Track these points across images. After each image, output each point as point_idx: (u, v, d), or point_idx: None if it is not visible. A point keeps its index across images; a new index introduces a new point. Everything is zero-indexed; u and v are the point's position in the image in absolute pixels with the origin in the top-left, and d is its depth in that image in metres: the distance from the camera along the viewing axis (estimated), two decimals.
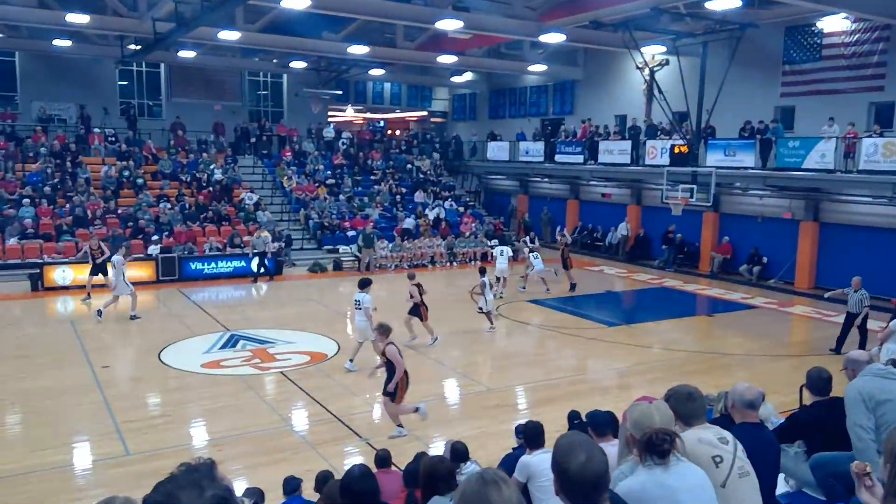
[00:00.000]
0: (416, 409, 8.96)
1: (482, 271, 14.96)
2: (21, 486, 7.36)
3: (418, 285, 13.17)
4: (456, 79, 32.04)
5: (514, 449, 6.61)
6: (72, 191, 21.67)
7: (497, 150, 29.08)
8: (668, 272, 21.93)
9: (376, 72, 28.79)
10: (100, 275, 16.34)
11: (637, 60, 20.67)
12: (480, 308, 14.71)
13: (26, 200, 20.42)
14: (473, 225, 25.62)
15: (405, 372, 8.79)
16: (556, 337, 14.35)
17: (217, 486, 1.57)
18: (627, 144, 23.19)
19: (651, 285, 20.46)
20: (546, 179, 28.07)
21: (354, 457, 8.25)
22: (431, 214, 25.76)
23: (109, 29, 21.08)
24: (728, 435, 3.35)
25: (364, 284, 11.83)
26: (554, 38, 19.70)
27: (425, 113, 36.50)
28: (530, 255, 18.77)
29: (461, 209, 27.09)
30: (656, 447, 2.73)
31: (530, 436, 5.21)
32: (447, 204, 26.96)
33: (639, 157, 22.76)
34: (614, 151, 23.57)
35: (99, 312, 14.62)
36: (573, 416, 6.81)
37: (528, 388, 11.14)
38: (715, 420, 4.08)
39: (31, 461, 7.94)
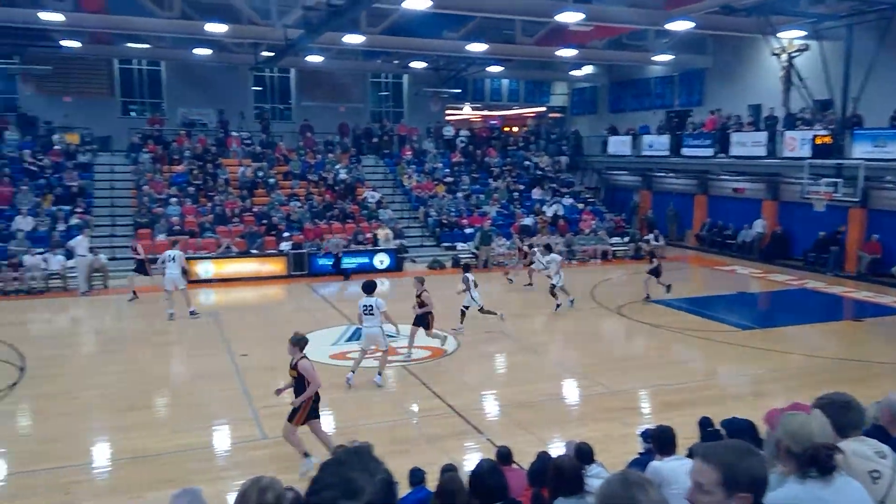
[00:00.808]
0: (306, 455, 7.66)
1: (466, 268, 14.42)
2: (166, 464, 7.95)
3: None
4: (575, 72, 31.44)
5: (640, 454, 6.37)
6: (213, 190, 23.25)
7: (618, 145, 28.24)
8: (813, 274, 20.34)
9: (494, 69, 28.81)
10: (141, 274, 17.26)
11: (773, 46, 19.40)
12: (467, 306, 13.94)
13: (173, 199, 22.12)
14: (593, 222, 25.06)
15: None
16: (684, 339, 13.70)
17: (382, 470, 1.60)
18: (763, 136, 21.76)
19: (790, 287, 19.10)
20: (671, 174, 26.94)
21: (474, 452, 8.28)
22: (549, 211, 25.45)
23: (245, 37, 22.45)
24: (886, 449, 3.06)
25: (371, 288, 10.75)
26: (681, 25, 18.83)
27: (543, 108, 36.11)
28: (540, 257, 17.22)
29: (580, 206, 26.57)
30: (822, 462, 2.51)
31: (661, 441, 4.97)
32: (566, 200, 26.53)
33: (775, 149, 21.32)
34: (747, 143, 22.19)
35: (193, 313, 15.08)
36: (705, 423, 6.45)
37: (654, 392, 10.71)
38: (866, 432, 3.71)
39: (175, 441, 8.56)
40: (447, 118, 32.77)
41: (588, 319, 15.31)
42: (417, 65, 27.65)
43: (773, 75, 22.51)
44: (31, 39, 22.63)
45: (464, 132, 30.26)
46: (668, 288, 16.67)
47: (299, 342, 7.92)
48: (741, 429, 5.00)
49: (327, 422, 9.60)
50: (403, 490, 5.84)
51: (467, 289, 13.98)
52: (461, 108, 34.81)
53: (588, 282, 19.32)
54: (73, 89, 26.75)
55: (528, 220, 24.24)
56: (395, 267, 21.08)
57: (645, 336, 14.34)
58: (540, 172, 28.48)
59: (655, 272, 16.59)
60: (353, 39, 20.80)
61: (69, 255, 17.99)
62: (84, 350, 13.48)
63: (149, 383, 10.83)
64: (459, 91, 30.25)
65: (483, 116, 37.30)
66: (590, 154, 30.40)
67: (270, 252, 20.67)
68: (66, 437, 8.79)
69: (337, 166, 25.84)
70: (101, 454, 8.48)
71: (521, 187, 27.01)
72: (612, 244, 24.13)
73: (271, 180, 24.49)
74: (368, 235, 22.00)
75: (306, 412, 7.76)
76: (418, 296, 12.13)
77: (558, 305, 15.59)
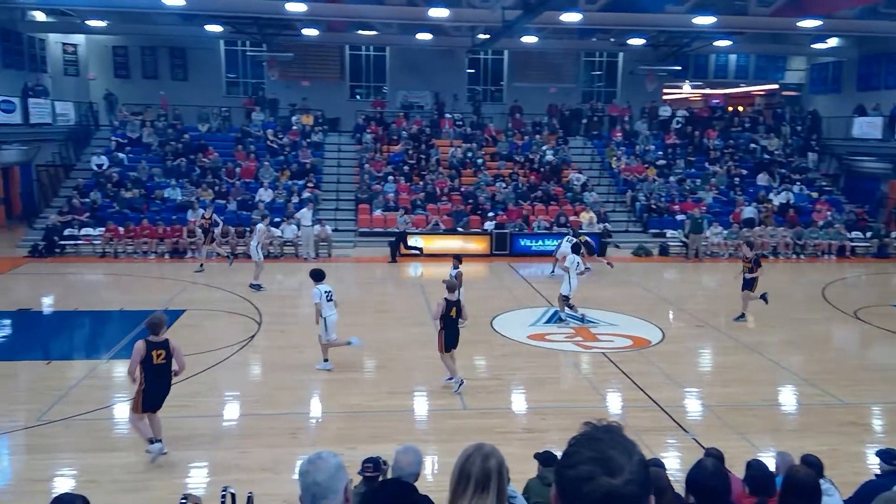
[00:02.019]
0: (151, 442, 7.15)
1: (458, 259, 12.61)
2: (372, 421, 8.52)
3: (457, 302, 9.55)
4: (818, 45, 28.07)
5: (876, 476, 5.59)
6: (425, 169, 24.37)
7: (867, 127, 24.82)
8: None
9: (721, 43, 26.69)
10: (211, 245, 17.91)
11: None
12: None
13: (390, 177, 23.55)
14: (829, 213, 22.36)
15: (132, 376, 7.14)
16: None
17: (637, 451, 1.53)
18: None
19: None
20: None
21: (677, 450, 7.88)
22: (777, 200, 23.16)
23: (464, 21, 23.06)
24: None
25: (322, 276, 10.29)
26: None
27: (776, 86, 32.80)
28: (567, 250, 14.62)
29: (815, 195, 23.85)
30: None
31: None
32: (797, 188, 23.96)
33: None
34: None
35: (251, 285, 15.43)
36: None
37: (894, 409, 9.34)
38: None
39: (382, 402, 9.14)
40: (664, 97, 31.09)
41: (817, 322, 13.73)
42: (635, 42, 26.48)
43: None
44: (277, 29, 25.28)
45: (681, 112, 28.51)
46: (765, 297, 13.40)
47: (153, 325, 7.23)
48: None
49: (520, 400, 9.66)
50: None
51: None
52: (680, 87, 32.83)
53: (819, 280, 17.38)
54: (310, 74, 29.50)
55: (750, 209, 22.26)
56: (598, 252, 20.54)
57: (888, 345, 12.55)
58: (768, 157, 25.98)
59: (749, 284, 13.39)
60: (571, 18, 20.38)
61: (300, 225, 19.96)
62: (309, 310, 14.86)
63: (364, 345, 11.60)
64: (679, 68, 28.48)
65: (704, 95, 34.85)
66: (829, 137, 27.10)
67: (475, 230, 21.23)
68: (292, 386, 9.78)
69: (544, 147, 25.73)
70: (321, 406, 9.30)
71: (745, 172, 24.86)
72: (850, 239, 21.39)
73: (479, 160, 25.06)
74: (572, 218, 21.69)
75: (140, 402, 7.16)
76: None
77: (560, 318, 13.30)
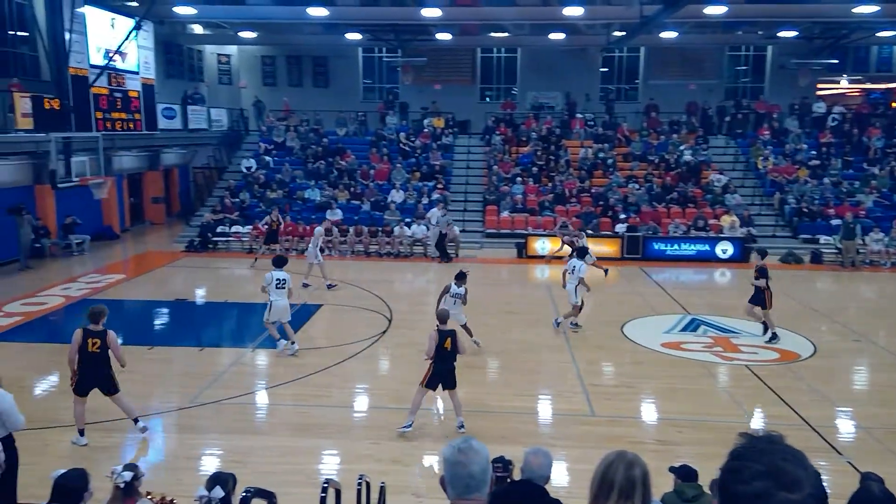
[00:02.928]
0: (136, 422, 7.83)
1: (460, 276, 10.99)
2: (498, 421, 8.46)
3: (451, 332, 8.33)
4: None
5: None
6: (554, 171, 24.04)
7: None
8: None
9: (886, 34, 24.30)
10: (273, 245, 18.17)
11: None
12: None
13: (518, 179, 23.45)
14: None
15: (73, 363, 7.55)
16: None
17: (810, 462, 1.43)
18: None
19: None
20: None
21: (828, 474, 7.16)
22: None
23: (599, 18, 22.54)
24: None
25: (283, 262, 11.22)
26: None
27: None
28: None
29: None
30: None
31: None
32: None
33: None
34: None
35: (305, 285, 15.55)
36: None
37: None
38: None
39: (507, 402, 9.08)
40: (818, 93, 28.75)
41: None
42: (786, 34, 24.69)
43: None
44: (413, 35, 25.96)
45: (838, 108, 26.23)
46: (773, 337, 11.75)
47: (97, 315, 7.63)
48: None
49: (651, 410, 9.24)
50: None
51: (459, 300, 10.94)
52: (837, 82, 30.19)
53: None
54: (442, 78, 30.04)
55: None
56: (740, 257, 19.34)
57: None
58: None
59: (758, 299, 11.81)
60: (715, 11, 19.35)
61: (429, 225, 20.34)
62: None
63: (490, 345, 11.56)
64: (836, 62, 26.23)
65: (864, 90, 31.83)
66: None
67: (605, 233, 20.64)
68: (419, 382, 9.90)
69: (681, 147, 24.58)
70: (447, 403, 9.36)
71: None
72: None
73: (610, 161, 24.37)
74: (711, 222, 20.55)
75: (74, 381, 7.60)
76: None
77: (575, 323, 12.47)
